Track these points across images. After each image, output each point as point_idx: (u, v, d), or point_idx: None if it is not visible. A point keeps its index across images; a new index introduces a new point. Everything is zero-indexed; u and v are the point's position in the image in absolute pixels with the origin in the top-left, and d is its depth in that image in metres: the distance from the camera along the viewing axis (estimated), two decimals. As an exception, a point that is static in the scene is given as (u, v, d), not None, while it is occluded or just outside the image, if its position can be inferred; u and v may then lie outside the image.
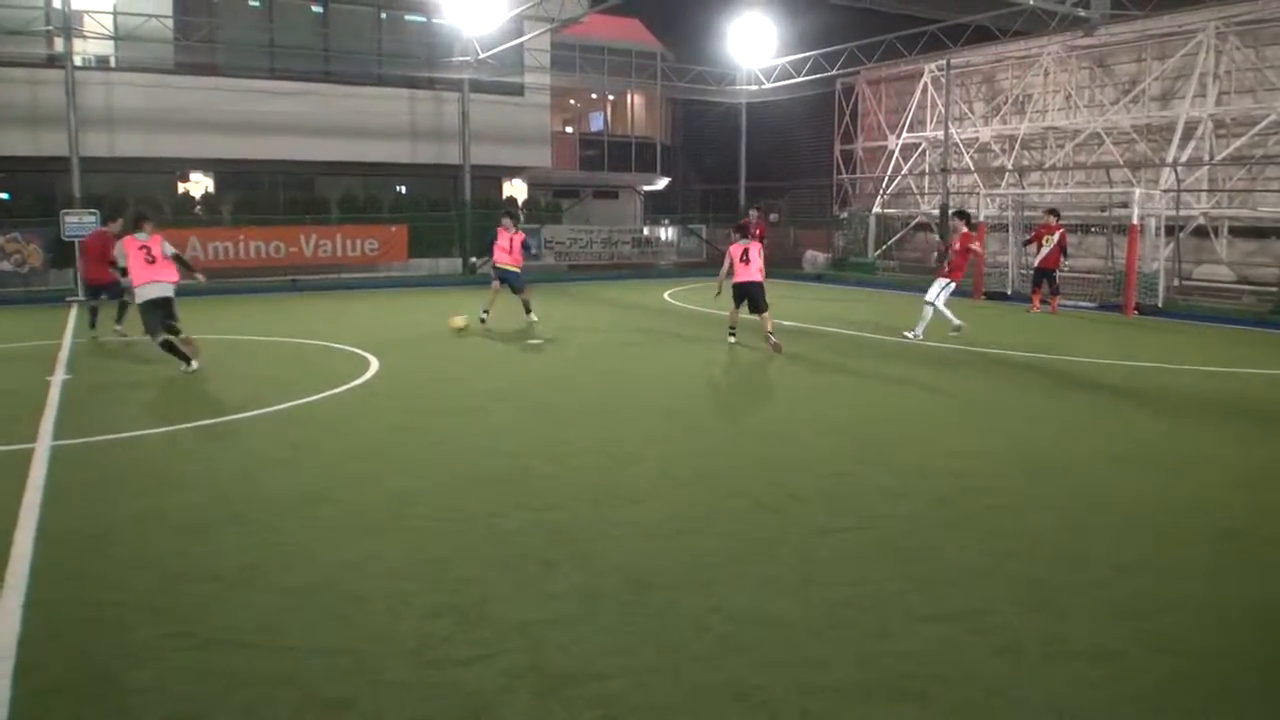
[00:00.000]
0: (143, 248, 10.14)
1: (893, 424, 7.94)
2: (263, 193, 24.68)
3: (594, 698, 3.37)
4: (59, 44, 20.62)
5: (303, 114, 23.48)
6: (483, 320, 14.07)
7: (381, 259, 23.73)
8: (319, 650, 3.71)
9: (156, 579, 4.50)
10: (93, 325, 13.15)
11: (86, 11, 21.01)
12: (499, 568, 4.57)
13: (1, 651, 3.74)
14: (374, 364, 10.77)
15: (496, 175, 27.56)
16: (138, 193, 22.26)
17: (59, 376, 10.12)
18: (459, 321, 13.60)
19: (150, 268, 10.13)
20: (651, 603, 4.18)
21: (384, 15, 25.24)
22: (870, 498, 5.78)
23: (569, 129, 35.19)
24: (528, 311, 14.25)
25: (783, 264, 25.73)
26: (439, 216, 25.26)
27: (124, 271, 10.58)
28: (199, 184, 24.12)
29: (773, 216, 27.94)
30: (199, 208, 23.19)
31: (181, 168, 23.71)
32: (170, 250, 10.33)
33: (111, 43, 21.83)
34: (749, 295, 11.92)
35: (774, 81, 27.84)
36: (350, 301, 18.97)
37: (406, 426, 7.75)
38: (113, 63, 22.70)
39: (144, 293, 10.12)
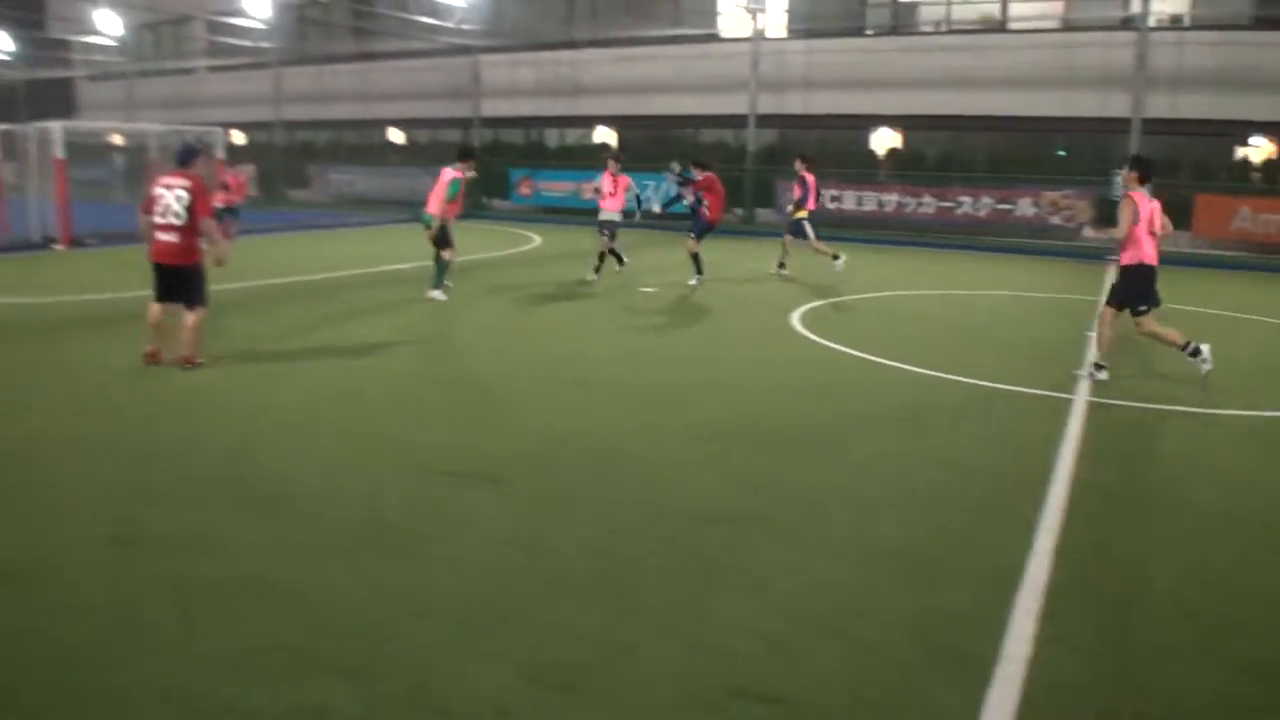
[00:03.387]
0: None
1: None
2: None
3: None
4: (1134, 5, 20.98)
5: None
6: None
7: None
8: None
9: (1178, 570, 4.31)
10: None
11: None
12: None
13: (1033, 596, 3.95)
14: None
15: None
16: (1194, 157, 21.63)
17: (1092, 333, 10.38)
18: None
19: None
20: None
21: None
22: None
23: None
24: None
25: None
26: None
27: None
28: (1260, 149, 22.22)
29: None
30: (1257, 174, 21.42)
31: (1242, 131, 22.09)
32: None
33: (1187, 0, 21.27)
34: None
35: None
36: None
37: None
38: (1186, 21, 22.12)
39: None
